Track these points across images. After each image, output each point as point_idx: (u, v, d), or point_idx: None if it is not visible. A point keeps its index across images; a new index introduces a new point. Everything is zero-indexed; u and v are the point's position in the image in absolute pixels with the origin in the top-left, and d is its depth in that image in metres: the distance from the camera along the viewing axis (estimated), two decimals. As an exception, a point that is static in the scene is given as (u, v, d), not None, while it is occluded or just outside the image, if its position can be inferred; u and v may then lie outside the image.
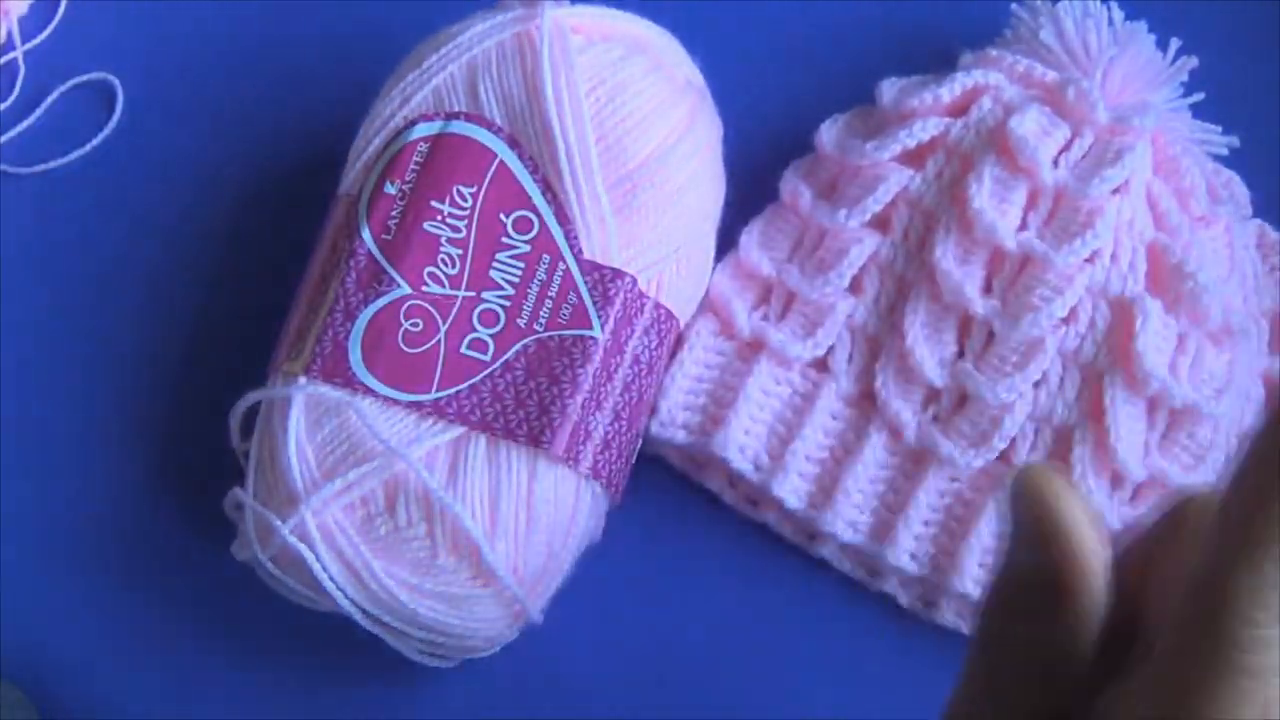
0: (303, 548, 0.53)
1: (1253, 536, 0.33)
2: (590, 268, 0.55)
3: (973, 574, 0.58)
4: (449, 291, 0.55)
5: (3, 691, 0.58)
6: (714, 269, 0.61)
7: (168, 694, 0.60)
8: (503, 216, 0.55)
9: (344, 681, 0.60)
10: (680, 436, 0.59)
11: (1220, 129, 0.62)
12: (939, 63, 0.63)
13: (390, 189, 0.56)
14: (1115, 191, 0.58)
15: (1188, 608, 0.34)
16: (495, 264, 0.55)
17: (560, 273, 0.55)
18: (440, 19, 0.59)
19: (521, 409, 0.54)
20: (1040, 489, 0.37)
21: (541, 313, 0.55)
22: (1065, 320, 0.58)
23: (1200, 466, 0.58)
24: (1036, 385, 0.58)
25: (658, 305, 0.57)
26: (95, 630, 0.60)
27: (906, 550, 0.58)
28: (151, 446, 0.62)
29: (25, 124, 0.65)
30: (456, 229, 0.55)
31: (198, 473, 0.61)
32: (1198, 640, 0.34)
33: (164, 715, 0.60)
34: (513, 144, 0.56)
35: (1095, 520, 0.37)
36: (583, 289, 0.55)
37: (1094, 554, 0.37)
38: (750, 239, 0.61)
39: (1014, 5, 0.63)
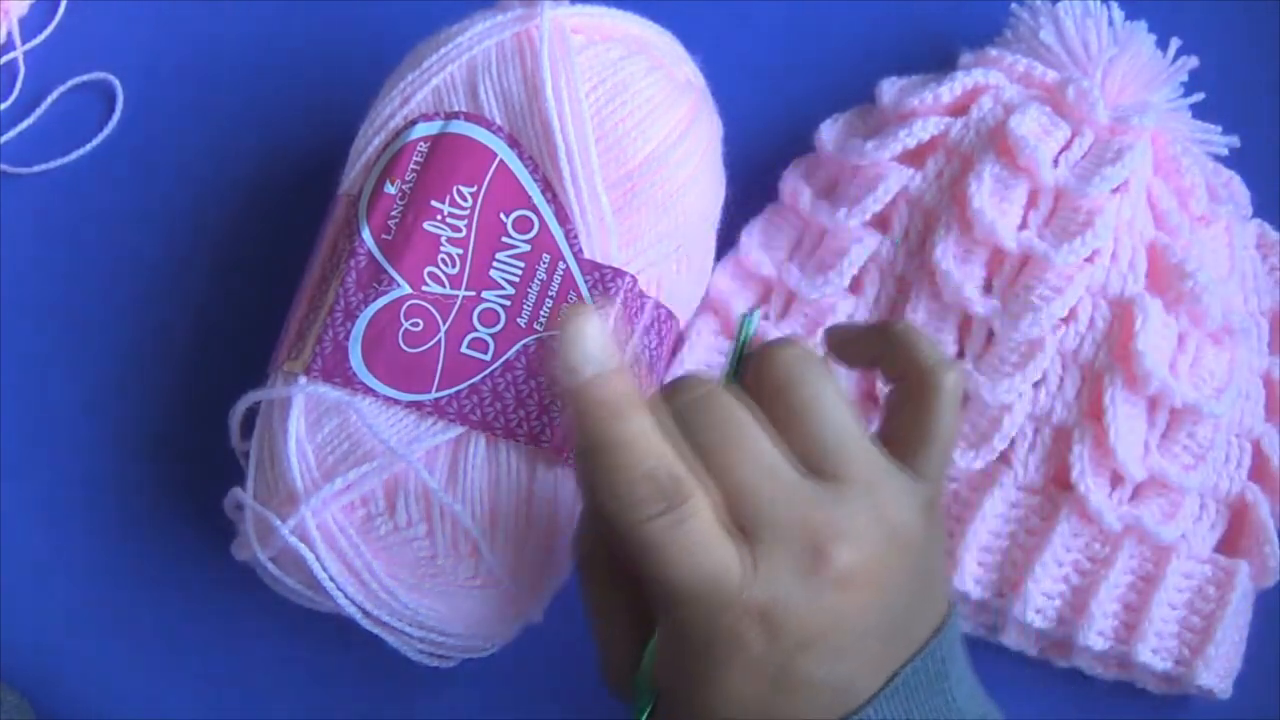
0: (303, 547, 0.52)
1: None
2: (590, 267, 0.55)
3: (972, 573, 0.58)
4: (449, 291, 0.55)
5: (1, 694, 0.58)
6: (714, 269, 0.61)
7: (166, 694, 0.60)
8: (503, 216, 0.55)
9: (344, 681, 0.60)
10: (681, 436, 0.59)
11: (1220, 129, 0.62)
12: (939, 63, 0.63)
13: (390, 189, 0.56)
14: (1115, 191, 0.58)
15: None
16: (495, 263, 0.55)
17: (560, 272, 0.55)
18: (440, 19, 0.59)
19: (522, 408, 0.54)
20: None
21: (542, 312, 0.55)
22: (1065, 320, 0.58)
23: (1200, 465, 0.58)
24: (1036, 385, 0.58)
25: (658, 305, 0.57)
26: (93, 631, 0.60)
27: (907, 550, 0.58)
28: (151, 447, 0.62)
29: (25, 124, 0.65)
30: (457, 228, 0.55)
31: (197, 473, 0.61)
32: None
33: (162, 715, 0.60)
34: (513, 143, 0.56)
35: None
36: (583, 288, 0.55)
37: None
38: (750, 239, 0.61)
39: (1014, 5, 0.63)
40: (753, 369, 0.48)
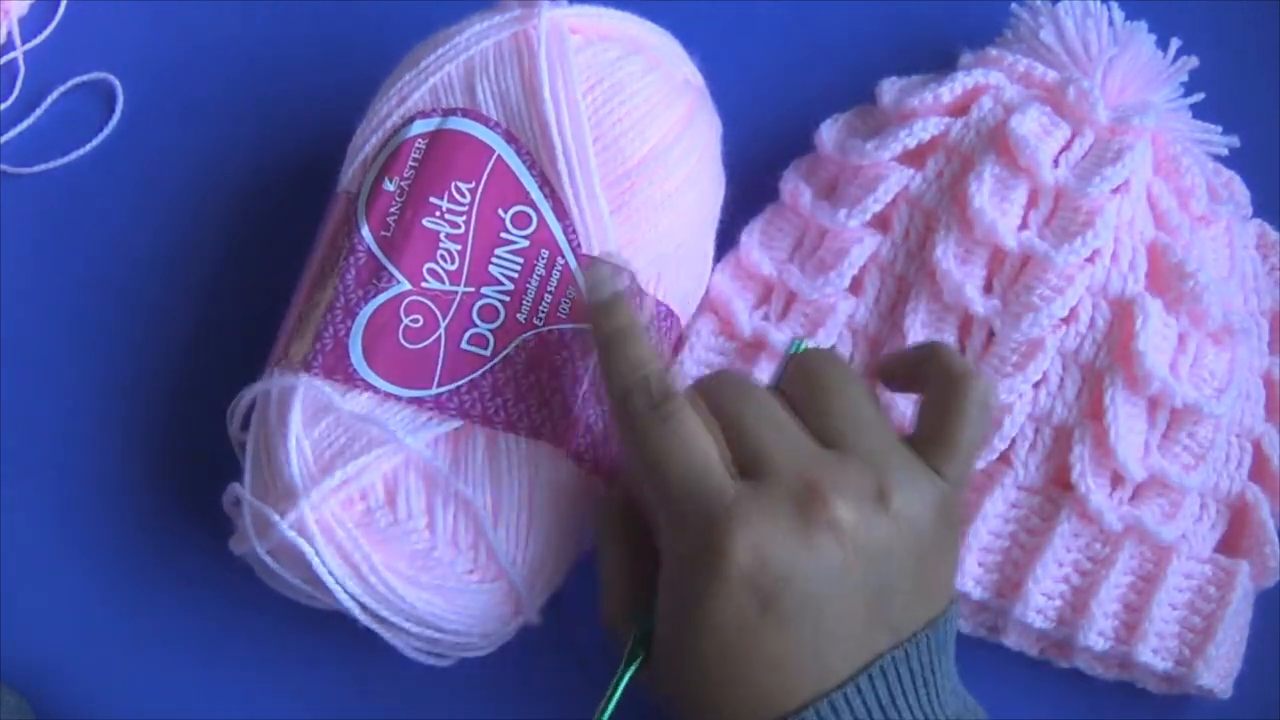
0: (302, 542, 0.52)
1: None
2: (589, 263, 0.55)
3: (973, 573, 0.58)
4: (449, 287, 0.55)
5: (1, 694, 0.58)
6: (714, 269, 0.61)
7: (164, 693, 0.60)
8: (501, 212, 0.55)
9: (341, 680, 0.60)
10: (680, 435, 0.59)
11: (1220, 129, 0.62)
12: (939, 63, 0.63)
13: (389, 186, 0.56)
14: (1115, 191, 0.58)
15: None
16: (494, 259, 0.55)
17: (559, 268, 0.55)
18: (440, 19, 0.59)
19: (522, 403, 0.54)
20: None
21: (541, 307, 0.55)
22: (1065, 320, 0.58)
23: (1200, 466, 0.58)
24: (1036, 385, 0.58)
25: (658, 302, 0.57)
26: (93, 630, 0.60)
27: (907, 549, 0.58)
28: (150, 445, 0.62)
29: (25, 124, 0.65)
30: (455, 225, 0.55)
31: (196, 471, 0.61)
32: None
33: (161, 715, 0.60)
34: (510, 139, 0.56)
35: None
36: (582, 285, 0.55)
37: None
38: (751, 239, 0.61)
39: (1014, 5, 0.63)
40: (787, 373, 0.52)
